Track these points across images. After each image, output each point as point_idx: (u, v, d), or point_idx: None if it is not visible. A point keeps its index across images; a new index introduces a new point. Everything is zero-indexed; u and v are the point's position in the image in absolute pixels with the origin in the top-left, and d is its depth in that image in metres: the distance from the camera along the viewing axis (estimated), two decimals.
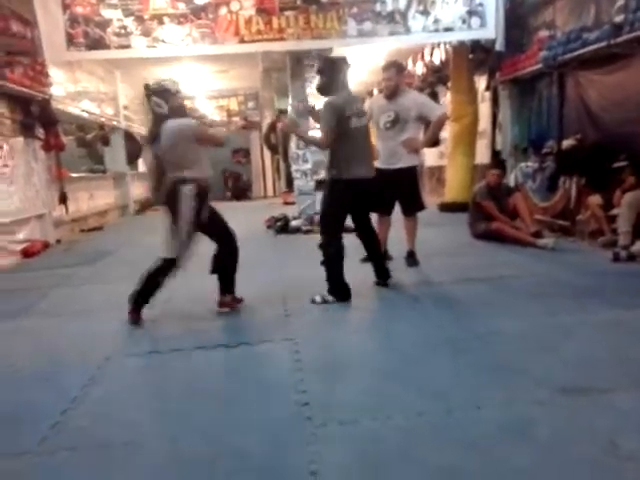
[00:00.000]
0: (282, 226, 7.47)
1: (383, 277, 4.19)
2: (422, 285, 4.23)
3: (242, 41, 7.28)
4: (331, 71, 3.85)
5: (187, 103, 13.61)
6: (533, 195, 6.58)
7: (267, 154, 14.11)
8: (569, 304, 3.57)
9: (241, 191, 14.57)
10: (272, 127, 12.44)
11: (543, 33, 6.81)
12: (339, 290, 3.88)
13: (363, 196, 3.92)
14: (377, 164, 4.44)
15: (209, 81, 12.38)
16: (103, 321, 3.76)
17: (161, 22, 7.17)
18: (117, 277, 5.09)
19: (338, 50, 8.80)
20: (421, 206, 4.89)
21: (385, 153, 4.69)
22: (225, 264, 3.87)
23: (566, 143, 6.30)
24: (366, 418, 2.21)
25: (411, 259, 4.93)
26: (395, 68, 4.64)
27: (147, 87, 3.62)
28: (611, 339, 2.92)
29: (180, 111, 3.60)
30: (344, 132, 3.72)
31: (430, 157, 11.56)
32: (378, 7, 7.29)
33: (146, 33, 7.22)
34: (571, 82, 6.51)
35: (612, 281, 4.05)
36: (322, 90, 3.92)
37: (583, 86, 6.27)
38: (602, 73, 5.88)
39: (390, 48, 9.34)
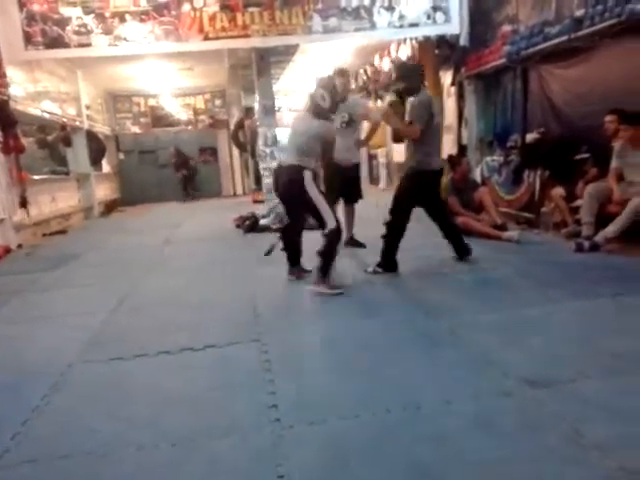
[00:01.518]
0: (251, 225, 7.40)
1: (463, 253, 4.65)
2: (390, 280, 4.24)
3: (206, 38, 7.17)
4: (412, 73, 4.43)
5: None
6: (499, 188, 6.68)
7: (236, 152, 13.96)
8: (535, 296, 3.62)
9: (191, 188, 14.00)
10: (240, 125, 12.31)
11: (506, 28, 6.87)
12: (391, 263, 4.39)
13: (436, 184, 4.49)
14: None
15: (174, 79, 12.18)
16: (67, 327, 3.66)
17: (123, 20, 7.01)
18: (82, 282, 4.96)
19: (304, 46, 8.79)
20: (362, 196, 5.63)
21: (342, 148, 4.87)
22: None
23: (530, 137, 6.41)
24: (335, 417, 2.19)
25: (355, 242, 5.55)
26: (348, 74, 5.37)
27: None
28: (575, 329, 2.97)
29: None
30: (429, 127, 4.21)
31: (398, 153, 11.62)
32: (343, 3, 7.27)
33: (107, 31, 7.05)
34: (534, 76, 6.63)
35: (576, 271, 4.12)
36: (408, 92, 4.38)
37: (546, 80, 6.39)
38: (564, 67, 6.00)
39: (356, 44, 9.34)
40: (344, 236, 4.67)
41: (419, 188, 4.36)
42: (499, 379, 2.43)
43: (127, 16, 7.00)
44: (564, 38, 5.53)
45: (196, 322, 3.59)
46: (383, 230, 4.42)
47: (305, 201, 3.90)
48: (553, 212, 5.61)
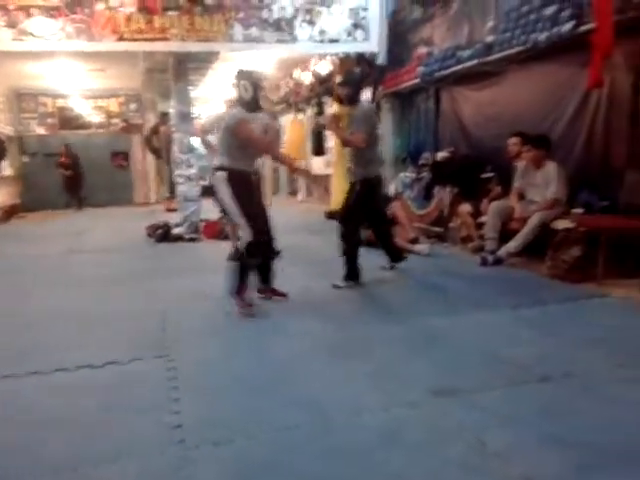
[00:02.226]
0: (163, 234, 7.12)
1: (397, 259, 4.78)
2: (301, 293, 4.18)
3: (121, 39, 6.87)
4: (358, 82, 4.53)
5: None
6: (411, 203, 6.90)
7: (150, 158, 13.45)
8: (441, 307, 3.74)
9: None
10: (155, 130, 11.88)
11: (422, 49, 7.17)
12: (355, 274, 4.36)
13: (378, 190, 4.58)
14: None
15: (86, 80, 11.56)
16: None
17: (29, 14, 6.55)
18: None
19: (225, 55, 8.67)
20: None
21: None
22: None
23: (440, 155, 6.69)
24: (241, 436, 2.11)
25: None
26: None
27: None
28: (478, 340, 3.08)
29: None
30: (372, 136, 4.34)
31: (317, 166, 11.73)
32: (264, 14, 7.25)
33: (12, 24, 6.57)
34: (446, 97, 6.95)
35: (480, 284, 4.32)
36: (349, 99, 4.43)
37: (457, 101, 6.72)
38: (474, 89, 6.33)
39: (279, 56, 9.35)
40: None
41: (366, 194, 4.41)
42: (405, 390, 2.46)
43: (33, 10, 6.56)
44: (475, 62, 5.84)
45: (98, 338, 3.36)
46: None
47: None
48: (460, 227, 5.86)
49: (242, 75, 3.79)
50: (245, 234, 3.62)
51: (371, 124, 4.39)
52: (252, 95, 3.72)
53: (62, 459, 2.00)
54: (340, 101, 4.67)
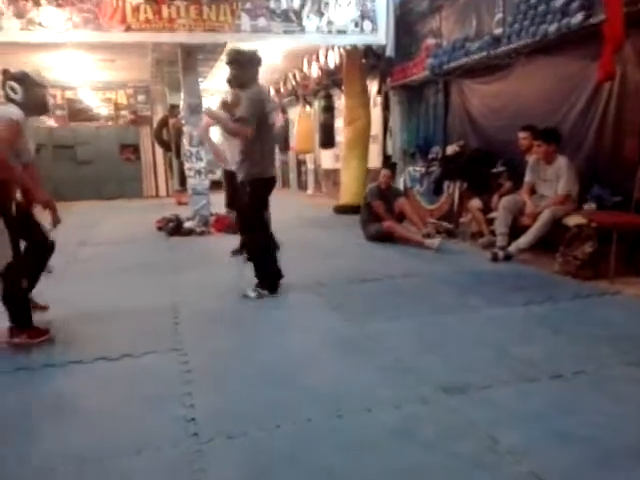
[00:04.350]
0: (175, 227, 7.15)
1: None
2: (314, 287, 4.22)
3: (129, 29, 6.87)
4: (246, 63, 3.80)
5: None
6: (421, 198, 6.89)
7: (159, 151, 13.48)
8: (452, 303, 3.74)
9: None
10: (164, 122, 11.90)
11: (430, 41, 7.11)
12: (271, 281, 3.98)
13: (268, 194, 4.03)
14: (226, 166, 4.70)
15: (94, 71, 11.56)
16: None
17: (37, 3, 6.55)
18: None
19: (232, 45, 8.65)
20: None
21: (233, 155, 4.60)
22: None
23: (450, 149, 6.66)
24: (255, 429, 2.13)
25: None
26: None
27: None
28: (490, 336, 3.09)
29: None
30: (264, 128, 3.75)
31: (326, 160, 11.73)
32: (272, 4, 7.23)
33: (20, 15, 6.57)
34: (455, 90, 6.89)
35: (491, 280, 4.31)
36: (236, 83, 3.86)
37: (466, 94, 6.67)
38: (483, 82, 6.28)
39: (285, 47, 9.32)
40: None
41: (261, 195, 3.95)
42: (416, 386, 2.47)
43: (42, 0, 6.57)
44: (483, 54, 5.80)
45: (112, 330, 3.40)
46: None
47: None
48: (470, 223, 5.85)
49: (9, 76, 3.28)
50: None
51: (258, 111, 3.72)
52: (24, 96, 3.21)
53: (83, 449, 2.04)
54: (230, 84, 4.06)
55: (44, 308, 3.70)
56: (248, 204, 3.94)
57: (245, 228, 4.09)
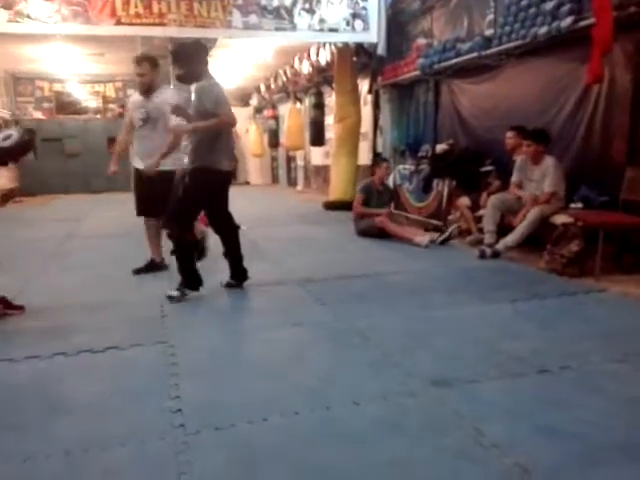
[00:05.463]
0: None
1: (240, 277, 4.03)
2: (304, 282, 4.22)
3: (119, 23, 6.81)
4: (196, 55, 3.65)
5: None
6: (410, 196, 6.91)
7: None
8: (441, 299, 3.76)
9: None
10: None
11: (421, 41, 7.16)
12: (193, 280, 3.80)
13: (225, 189, 3.84)
14: (135, 164, 4.42)
15: (83, 64, 11.47)
16: None
17: None
18: None
19: (224, 41, 8.61)
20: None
21: (141, 152, 4.43)
22: None
23: (439, 147, 6.69)
24: (242, 421, 2.12)
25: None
26: (149, 62, 4.32)
27: None
28: (477, 331, 3.11)
29: None
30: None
31: (316, 156, 11.74)
32: (263, 1, 7.21)
33: (7, 6, 6.49)
34: (446, 89, 6.94)
35: (479, 277, 4.34)
36: (192, 77, 3.67)
37: (456, 94, 6.71)
38: (473, 82, 6.33)
39: (277, 44, 9.30)
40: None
41: (207, 190, 3.72)
42: (404, 380, 2.48)
43: None
44: (474, 55, 5.83)
45: (98, 322, 3.36)
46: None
47: None
48: (459, 220, 5.88)
49: None
50: None
51: (226, 99, 3.64)
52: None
53: (69, 442, 2.01)
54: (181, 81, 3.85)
55: (20, 308, 3.54)
56: (188, 196, 3.64)
57: (176, 222, 3.71)
